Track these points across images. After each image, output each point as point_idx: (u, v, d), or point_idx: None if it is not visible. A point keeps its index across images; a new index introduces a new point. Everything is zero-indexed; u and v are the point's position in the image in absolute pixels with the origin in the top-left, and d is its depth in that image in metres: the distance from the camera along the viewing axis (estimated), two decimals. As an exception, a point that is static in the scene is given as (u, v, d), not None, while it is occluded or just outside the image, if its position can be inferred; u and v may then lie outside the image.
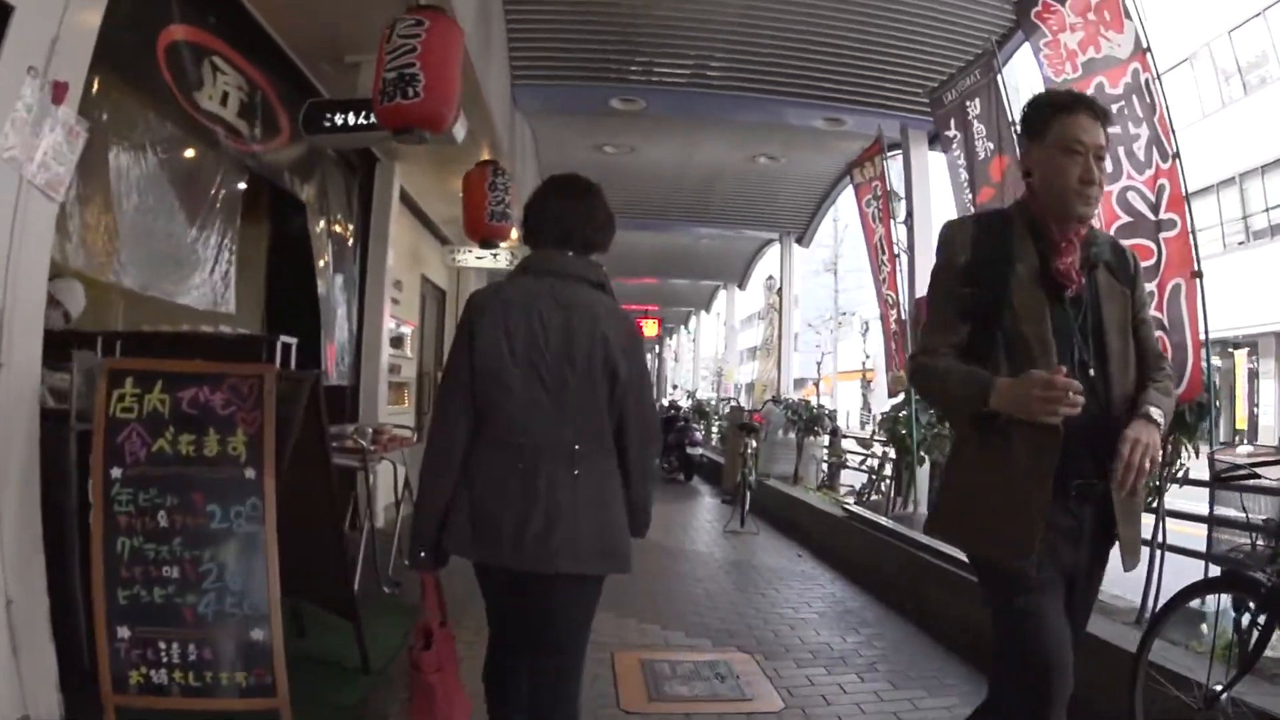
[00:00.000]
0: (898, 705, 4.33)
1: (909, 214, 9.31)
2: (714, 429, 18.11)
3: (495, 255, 11.25)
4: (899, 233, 8.76)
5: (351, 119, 6.08)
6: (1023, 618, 2.32)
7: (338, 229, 7.97)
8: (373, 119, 5.87)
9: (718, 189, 13.35)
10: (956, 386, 2.36)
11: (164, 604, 3.30)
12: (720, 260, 18.69)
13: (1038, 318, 2.36)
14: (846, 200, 14.46)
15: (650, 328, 25.93)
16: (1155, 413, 2.31)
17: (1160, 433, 2.28)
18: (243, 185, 6.45)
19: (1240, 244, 24.00)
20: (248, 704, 3.27)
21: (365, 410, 8.33)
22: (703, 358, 28.81)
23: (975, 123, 7.19)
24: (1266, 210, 23.16)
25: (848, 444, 12.05)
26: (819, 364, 51.02)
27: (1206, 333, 5.25)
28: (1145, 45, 5.44)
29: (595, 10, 7.86)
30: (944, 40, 8.02)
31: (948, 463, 2.72)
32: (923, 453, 7.98)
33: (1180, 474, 5.51)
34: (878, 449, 9.34)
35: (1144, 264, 5.59)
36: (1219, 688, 3.29)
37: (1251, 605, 3.28)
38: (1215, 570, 3.98)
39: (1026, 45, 6.34)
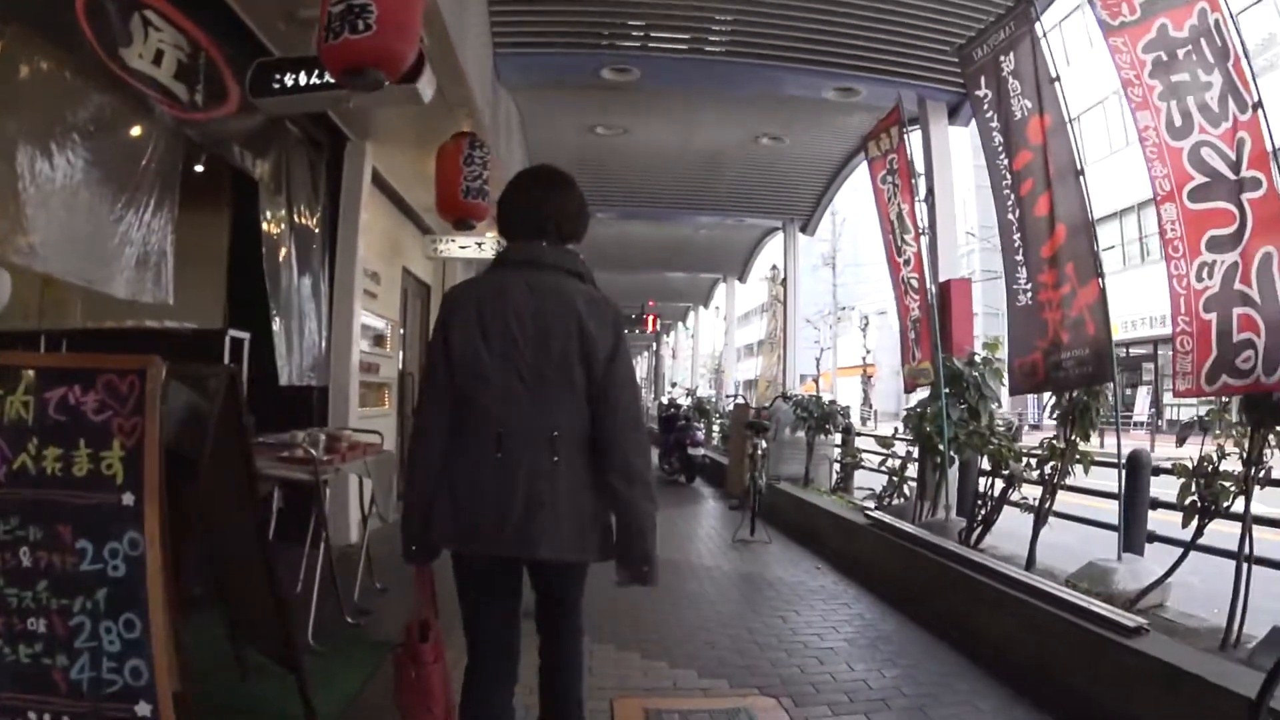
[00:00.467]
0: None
1: (929, 192, 8.57)
2: (715, 428, 17.42)
3: (481, 245, 10.45)
4: (920, 210, 7.97)
5: (303, 79, 5.30)
6: None
7: (301, 214, 7.18)
8: (327, 77, 5.12)
9: (717, 173, 12.58)
10: None
11: (31, 665, 2.61)
12: (720, 252, 17.91)
13: None
14: (844, 194, 13.78)
15: (653, 326, 25.20)
16: None
17: None
18: (183, 159, 5.63)
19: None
20: (133, 797, 2.53)
21: (335, 413, 7.55)
22: (701, 354, 28.03)
23: (1010, 80, 6.42)
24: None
25: (862, 443, 11.19)
26: (818, 360, 50.44)
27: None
28: (1212, -19, 4.69)
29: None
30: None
31: None
32: (953, 453, 7.21)
33: (1262, 475, 4.81)
34: (899, 448, 8.53)
35: (1223, 231, 4.94)
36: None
37: None
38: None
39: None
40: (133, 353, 2.67)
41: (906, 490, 8.33)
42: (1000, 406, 7.75)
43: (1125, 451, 5.92)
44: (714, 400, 19.35)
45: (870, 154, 8.52)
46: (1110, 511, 6.12)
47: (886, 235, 8.34)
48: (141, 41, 4.85)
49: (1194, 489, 4.91)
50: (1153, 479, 6.11)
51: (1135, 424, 31.02)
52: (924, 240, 7.89)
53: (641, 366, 32.03)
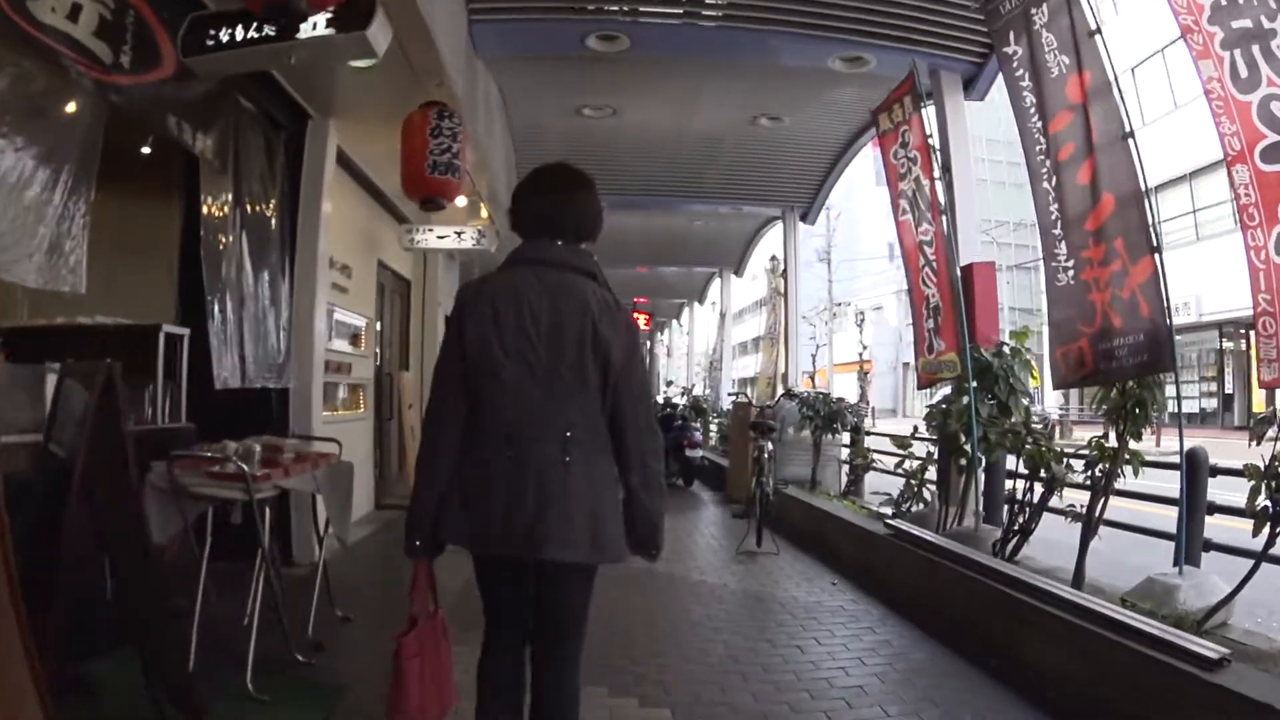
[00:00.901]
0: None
1: (945, 169, 7.83)
2: (713, 428, 16.66)
3: (461, 235, 9.70)
4: (940, 187, 7.25)
5: (240, 33, 4.60)
6: None
7: (254, 197, 6.46)
8: (266, 30, 4.42)
9: (713, 158, 11.85)
10: None
11: None
12: (715, 244, 17.17)
13: None
14: (836, 187, 13.03)
15: (641, 322, 24.47)
16: None
17: None
18: (104, 130, 4.90)
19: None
20: None
21: (298, 418, 6.83)
22: (696, 352, 27.27)
23: (1044, 34, 5.70)
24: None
25: (869, 442, 10.44)
26: (814, 356, 49.81)
27: None
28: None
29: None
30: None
31: None
32: (980, 453, 6.52)
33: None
34: (917, 448, 7.82)
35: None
36: None
37: None
38: None
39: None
40: (65, 351, 2.06)
41: (926, 495, 7.59)
42: (1032, 401, 7.05)
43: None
44: (711, 399, 18.70)
45: (881, 127, 7.80)
46: (1149, 515, 5.56)
47: (899, 216, 7.62)
48: (55, -8, 4.18)
49: (1265, 492, 4.23)
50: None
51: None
52: (944, 219, 7.15)
53: (645, 362, 31.20)
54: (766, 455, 8.13)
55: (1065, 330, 5.62)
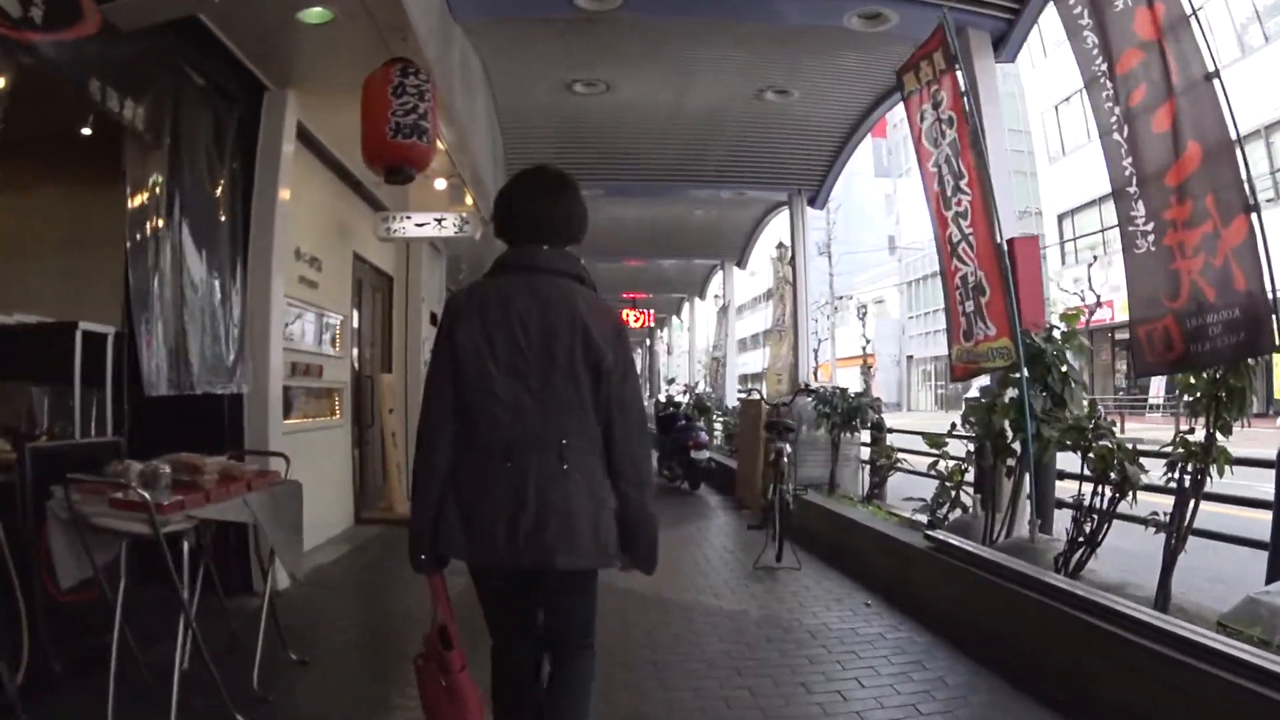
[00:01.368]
0: None
1: (977, 136, 7.00)
2: (717, 427, 15.83)
3: (441, 222, 8.84)
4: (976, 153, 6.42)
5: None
6: None
7: (198, 177, 5.65)
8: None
9: (714, 138, 10.98)
10: None
11: None
12: (717, 234, 16.26)
13: None
14: (839, 179, 12.21)
15: (632, 318, 23.58)
16: None
17: None
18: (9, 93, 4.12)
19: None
20: None
21: (253, 426, 5.99)
22: (698, 349, 26.38)
23: (1106, -37, 4.91)
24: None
25: (892, 440, 9.57)
26: (815, 350, 49.00)
27: None
28: None
29: None
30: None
31: None
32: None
33: None
34: (948, 447, 7.01)
35: None
36: None
37: None
38: None
39: None
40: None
41: (965, 500, 6.76)
42: (1087, 392, 6.23)
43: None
44: (714, 396, 17.89)
45: (907, 89, 6.97)
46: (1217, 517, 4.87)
47: (929, 185, 6.80)
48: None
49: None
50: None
51: (1150, 406, 29.62)
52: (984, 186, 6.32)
53: (635, 364, 30.23)
54: (786, 458, 7.25)
55: (1147, 305, 4.80)
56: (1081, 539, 5.23)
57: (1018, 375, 5.82)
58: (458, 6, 6.88)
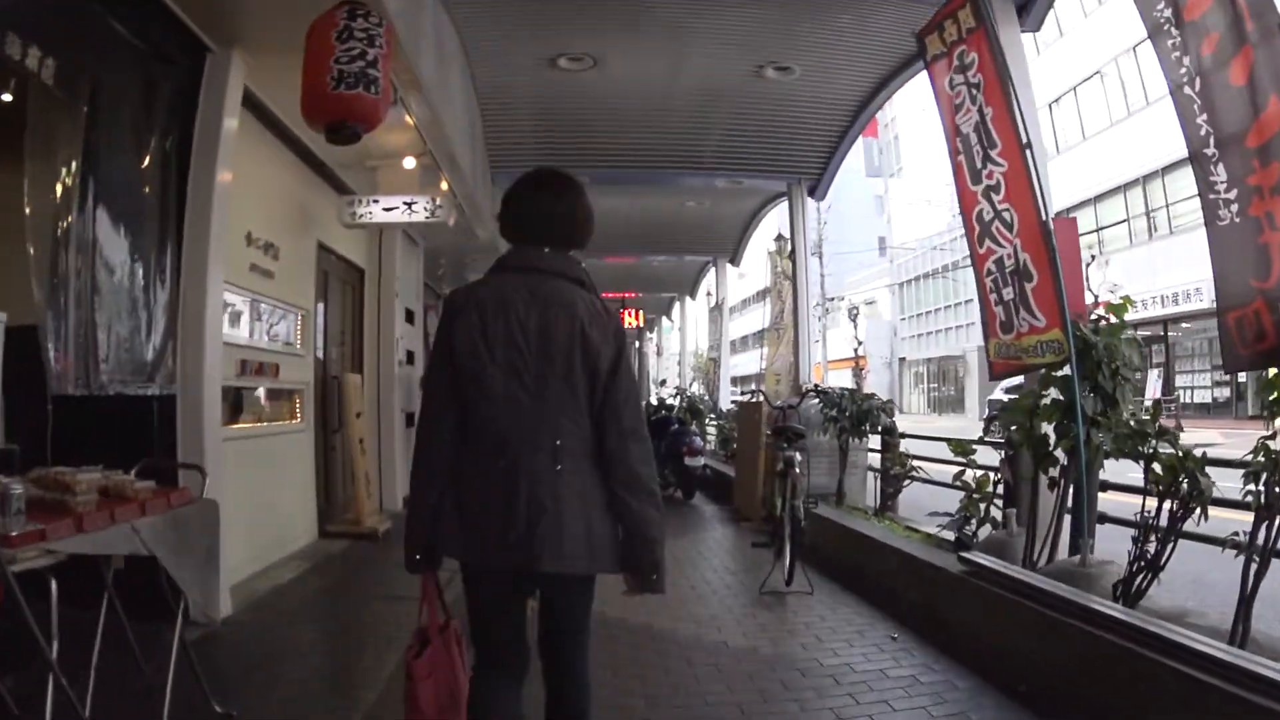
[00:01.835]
0: None
1: (1011, 100, 6.26)
2: (711, 431, 15.11)
3: (411, 206, 8.04)
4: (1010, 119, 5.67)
5: None
6: None
7: (120, 149, 4.92)
8: None
9: (710, 120, 10.22)
10: None
11: None
12: (709, 229, 15.49)
13: None
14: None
15: (630, 319, 22.79)
16: None
17: None
18: None
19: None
20: None
21: (186, 433, 5.19)
22: (689, 351, 25.61)
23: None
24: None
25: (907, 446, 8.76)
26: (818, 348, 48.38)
27: None
28: None
29: None
30: None
31: None
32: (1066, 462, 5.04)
33: None
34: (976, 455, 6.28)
35: None
36: None
37: None
38: None
39: None
40: None
41: (995, 515, 6.02)
42: (1137, 391, 5.50)
43: None
44: (706, 399, 17.12)
45: (930, 51, 6.24)
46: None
47: (955, 158, 6.06)
48: None
49: None
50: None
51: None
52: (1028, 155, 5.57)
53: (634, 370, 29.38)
54: (796, 468, 6.47)
55: (1234, 286, 4.06)
56: (1142, 562, 4.50)
57: (1061, 373, 5.13)
58: (427, -37, 6.12)
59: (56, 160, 4.45)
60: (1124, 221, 30.34)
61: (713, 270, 18.54)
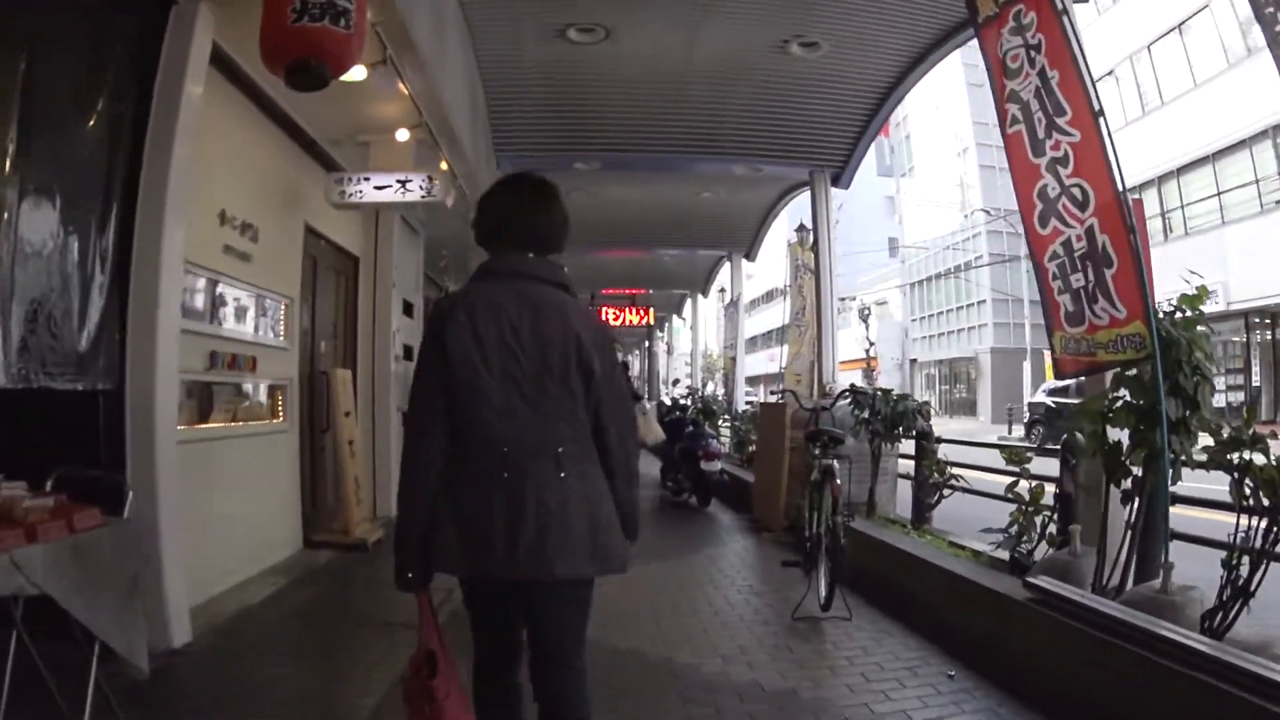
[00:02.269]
0: None
1: (1080, 62, 5.56)
2: (725, 432, 14.40)
3: (405, 185, 7.32)
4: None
5: None
6: None
7: (59, 106, 4.23)
8: None
9: (729, 99, 9.51)
10: None
11: None
12: (724, 221, 14.77)
13: None
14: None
15: (638, 316, 22.07)
16: None
17: None
18: None
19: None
20: None
21: (136, 434, 4.51)
22: (699, 350, 24.79)
23: None
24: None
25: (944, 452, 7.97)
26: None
27: None
28: None
29: None
30: None
31: None
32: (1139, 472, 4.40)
33: None
34: (1027, 463, 5.60)
35: None
36: None
37: None
38: None
39: None
40: None
41: (1052, 532, 5.33)
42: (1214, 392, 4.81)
43: None
44: (719, 400, 16.41)
45: (983, 14, 5.53)
46: None
47: (1009, 129, 5.38)
48: None
49: None
50: None
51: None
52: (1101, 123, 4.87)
53: (634, 365, 28.65)
54: (837, 479, 5.73)
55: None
56: (1234, 587, 3.82)
57: (1132, 372, 4.46)
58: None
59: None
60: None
61: (726, 266, 17.79)
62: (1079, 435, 5.02)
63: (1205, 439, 4.25)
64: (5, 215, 3.72)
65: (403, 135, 7.09)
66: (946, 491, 7.17)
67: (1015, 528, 5.47)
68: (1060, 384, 22.60)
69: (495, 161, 10.07)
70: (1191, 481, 4.30)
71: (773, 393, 11.77)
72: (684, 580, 6.75)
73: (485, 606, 2.68)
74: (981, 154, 49.57)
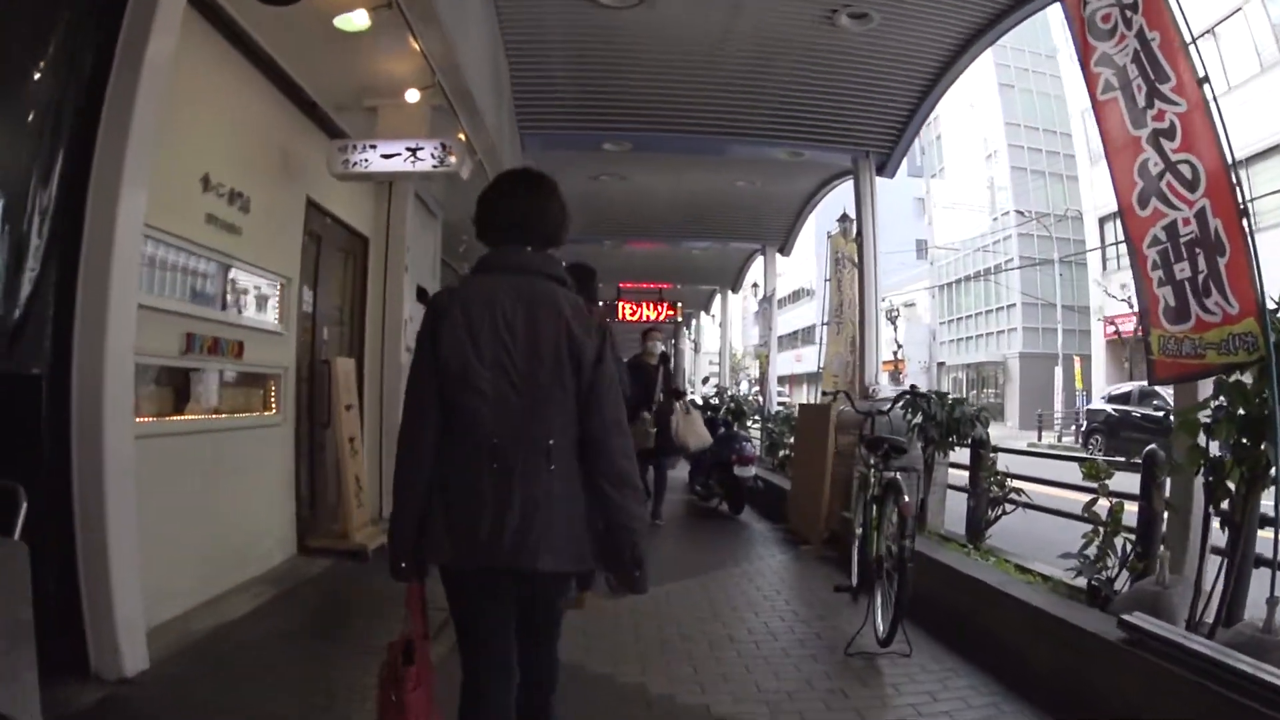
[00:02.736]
0: None
1: (1181, 26, 4.84)
2: (755, 434, 13.64)
3: (416, 153, 6.59)
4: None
5: None
6: None
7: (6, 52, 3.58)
8: None
9: (771, 75, 8.73)
10: None
11: None
12: (760, 210, 14.00)
13: None
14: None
15: (664, 311, 21.30)
16: None
17: None
18: None
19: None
20: None
21: (83, 427, 3.85)
22: (730, 346, 23.97)
23: None
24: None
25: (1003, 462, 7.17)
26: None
27: None
28: None
29: None
30: None
31: None
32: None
33: None
34: (1108, 478, 4.90)
35: None
36: None
37: None
38: None
39: None
40: None
41: (1134, 558, 4.64)
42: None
43: None
44: (750, 400, 15.70)
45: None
46: None
47: (1099, 99, 4.70)
48: None
49: None
50: None
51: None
52: (1207, 90, 4.17)
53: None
54: (905, 494, 4.94)
55: None
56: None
57: (1234, 378, 3.92)
58: None
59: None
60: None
61: (759, 260, 17.02)
62: (1172, 450, 4.37)
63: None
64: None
65: (413, 95, 6.40)
66: (1009, 507, 6.42)
67: (1093, 550, 4.81)
68: (1121, 390, 21.39)
69: (520, 141, 9.42)
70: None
71: (825, 394, 10.92)
72: (718, 602, 6.04)
73: (469, 601, 2.63)
74: (1013, 155, 48.73)
